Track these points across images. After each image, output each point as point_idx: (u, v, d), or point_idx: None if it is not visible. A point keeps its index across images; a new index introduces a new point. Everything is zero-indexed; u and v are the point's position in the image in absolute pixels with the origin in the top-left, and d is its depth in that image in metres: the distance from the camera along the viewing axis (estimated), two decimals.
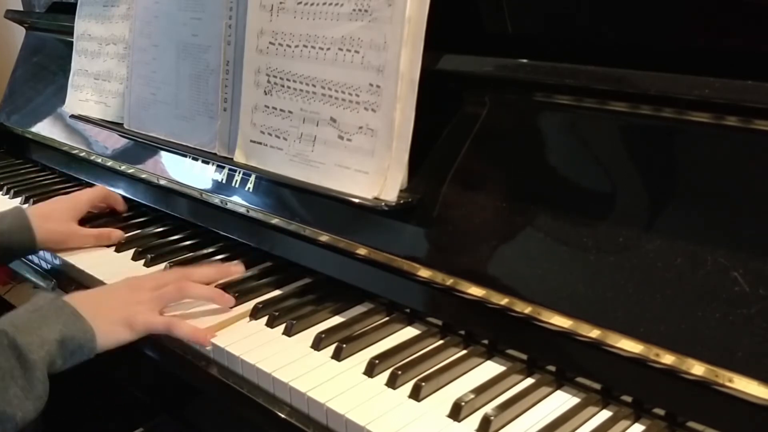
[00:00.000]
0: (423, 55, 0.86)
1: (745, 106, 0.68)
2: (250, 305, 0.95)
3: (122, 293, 0.93)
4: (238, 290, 0.98)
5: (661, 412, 0.71)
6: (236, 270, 1.02)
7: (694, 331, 0.67)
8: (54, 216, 1.16)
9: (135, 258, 1.11)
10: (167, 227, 1.22)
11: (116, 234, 1.17)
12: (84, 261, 1.11)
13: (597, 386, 0.75)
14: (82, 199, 1.23)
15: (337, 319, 0.92)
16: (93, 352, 0.85)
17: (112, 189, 1.31)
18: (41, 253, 1.17)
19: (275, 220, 1.03)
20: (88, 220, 1.24)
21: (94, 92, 1.43)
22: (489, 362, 0.82)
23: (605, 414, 0.73)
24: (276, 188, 1.04)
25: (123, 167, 1.33)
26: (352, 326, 0.89)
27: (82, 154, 1.45)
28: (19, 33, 1.92)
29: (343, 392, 0.76)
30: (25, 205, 1.33)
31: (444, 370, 0.79)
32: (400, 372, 0.78)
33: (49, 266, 1.17)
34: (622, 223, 0.74)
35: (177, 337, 0.90)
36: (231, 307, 0.95)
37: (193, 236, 1.18)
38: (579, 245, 0.76)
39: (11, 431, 0.76)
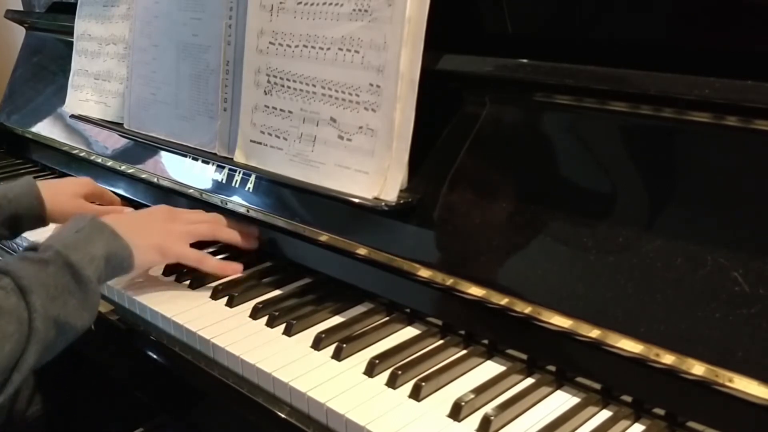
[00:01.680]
0: (423, 55, 0.86)
1: (745, 106, 0.68)
2: (250, 305, 0.95)
3: (158, 221, 1.01)
4: (238, 290, 0.98)
5: (661, 412, 0.71)
6: (254, 232, 1.08)
7: (694, 331, 0.67)
8: (62, 190, 1.17)
9: None
10: None
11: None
12: None
13: (597, 386, 0.75)
14: (92, 182, 1.25)
15: (337, 319, 0.92)
16: (131, 269, 0.94)
17: (112, 189, 1.31)
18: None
19: (275, 220, 1.03)
20: None
21: (94, 92, 1.43)
22: (489, 362, 0.82)
23: (605, 414, 0.73)
24: (276, 188, 1.04)
25: (123, 167, 1.33)
26: (352, 326, 0.89)
27: (82, 154, 1.45)
28: (19, 33, 1.92)
29: (343, 392, 0.76)
30: None
31: (444, 370, 0.79)
32: (400, 372, 0.78)
33: None
34: (622, 223, 0.74)
35: (206, 270, 1.01)
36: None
37: None
38: (579, 245, 0.76)
39: (73, 338, 0.83)
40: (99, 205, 1.27)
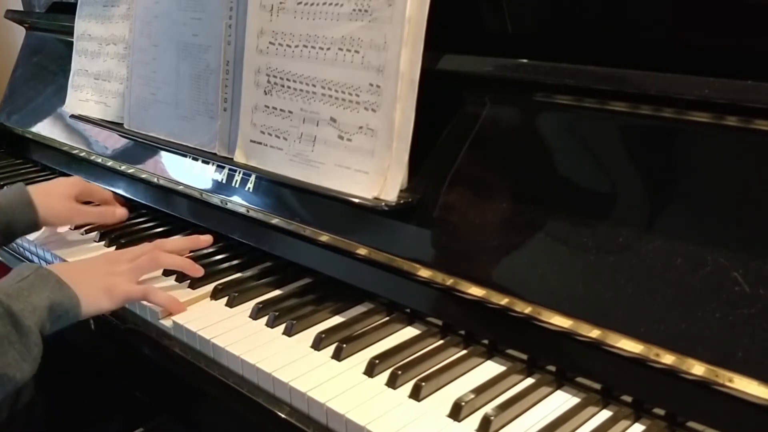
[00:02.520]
0: (423, 55, 0.86)
1: (745, 106, 0.68)
2: (250, 305, 0.95)
3: (100, 265, 0.97)
4: (238, 290, 0.98)
5: (661, 412, 0.71)
6: (205, 239, 1.07)
7: (694, 331, 0.67)
8: (55, 192, 1.17)
9: None
10: (167, 227, 1.22)
11: (120, 211, 1.18)
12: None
13: (597, 386, 0.75)
14: (83, 182, 1.24)
15: (337, 319, 0.92)
16: (77, 318, 0.90)
17: (111, 189, 1.31)
18: (35, 249, 1.17)
19: (275, 220, 1.03)
20: None
21: (94, 92, 1.43)
22: (489, 362, 0.82)
23: (605, 414, 0.73)
24: (276, 188, 1.04)
25: (123, 167, 1.33)
26: (352, 326, 0.89)
27: (82, 154, 1.45)
28: (19, 33, 1.92)
29: (343, 392, 0.76)
30: None
31: (444, 370, 0.79)
32: (400, 372, 0.78)
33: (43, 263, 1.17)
34: (622, 223, 0.74)
35: (154, 303, 0.95)
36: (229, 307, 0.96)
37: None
38: (579, 245, 0.76)
39: (11, 390, 0.80)
40: (92, 203, 1.27)
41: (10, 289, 0.84)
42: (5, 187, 1.16)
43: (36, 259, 1.20)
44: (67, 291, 0.88)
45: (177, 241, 1.07)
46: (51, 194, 1.16)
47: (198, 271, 1.01)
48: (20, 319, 0.81)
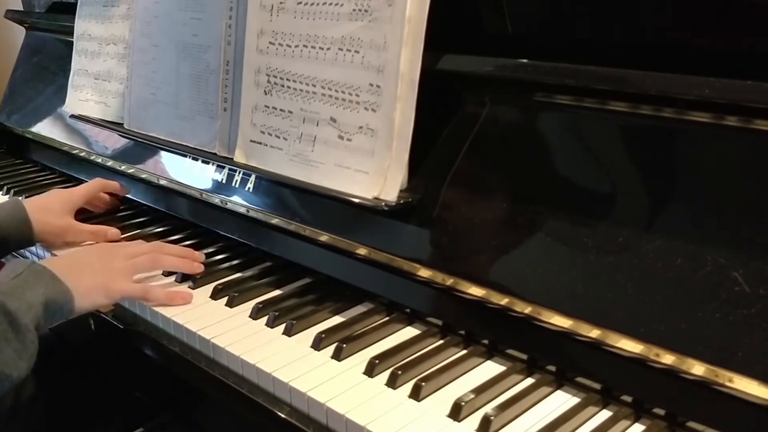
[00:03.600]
0: (423, 55, 0.86)
1: (745, 106, 0.68)
2: (250, 305, 0.95)
3: (97, 260, 0.96)
4: (238, 290, 0.98)
5: (661, 412, 0.71)
6: (199, 257, 1.05)
7: (694, 331, 0.67)
8: (51, 208, 1.16)
9: None
10: (167, 227, 1.22)
11: (112, 231, 1.16)
12: None
13: (597, 386, 0.75)
14: (78, 192, 1.23)
15: (337, 319, 0.92)
16: (71, 314, 0.90)
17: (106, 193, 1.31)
18: (35, 250, 1.17)
19: (275, 220, 1.03)
20: (87, 219, 1.23)
21: (94, 92, 1.43)
22: (489, 362, 0.82)
23: (605, 414, 0.73)
24: (276, 188, 1.04)
25: (123, 167, 1.33)
26: (352, 326, 0.89)
27: (82, 154, 1.45)
28: (19, 33, 1.92)
29: (343, 392, 0.76)
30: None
31: (444, 370, 0.79)
32: (400, 372, 0.78)
33: None
34: (622, 223, 0.74)
35: (153, 302, 0.95)
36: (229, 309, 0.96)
37: (193, 236, 1.18)
38: (579, 245, 0.76)
39: (8, 388, 0.80)
40: (99, 207, 1.27)
41: (5, 286, 0.84)
42: (2, 203, 1.15)
43: (29, 255, 1.20)
44: (61, 287, 0.88)
45: (175, 248, 1.06)
46: (47, 210, 1.15)
47: (198, 267, 1.01)
48: (16, 317, 0.80)
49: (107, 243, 1.04)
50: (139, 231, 1.22)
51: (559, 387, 0.78)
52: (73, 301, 0.89)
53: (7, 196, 1.43)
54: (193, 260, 1.04)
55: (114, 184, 1.28)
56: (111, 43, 1.40)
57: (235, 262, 1.08)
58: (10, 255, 1.19)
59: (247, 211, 1.07)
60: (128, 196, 1.31)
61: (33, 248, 1.18)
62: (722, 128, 0.71)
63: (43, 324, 0.85)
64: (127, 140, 1.35)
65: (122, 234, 1.19)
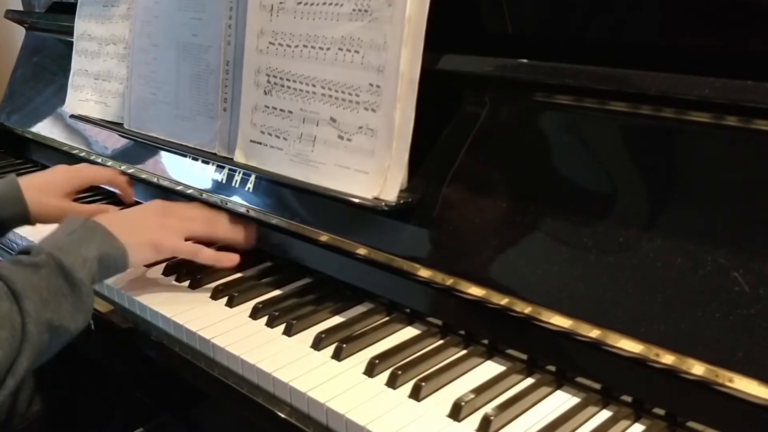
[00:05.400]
0: (423, 55, 0.86)
1: (745, 106, 0.68)
2: (250, 305, 0.95)
3: (152, 216, 1.00)
4: (238, 290, 0.98)
5: (661, 412, 0.71)
6: (252, 233, 1.06)
7: (694, 331, 0.67)
8: (49, 188, 1.16)
9: None
10: None
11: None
12: None
13: (597, 386, 0.75)
14: (83, 173, 1.23)
15: (337, 319, 0.92)
16: (125, 267, 0.94)
17: (111, 189, 1.31)
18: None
19: (275, 220, 1.03)
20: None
21: (94, 92, 1.43)
22: (489, 362, 0.82)
23: (605, 414, 0.73)
24: (276, 188, 1.04)
25: (123, 167, 1.33)
26: (352, 326, 0.89)
27: (82, 154, 1.45)
28: (19, 33, 1.92)
29: (343, 392, 0.76)
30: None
31: (444, 370, 0.79)
32: (400, 372, 0.78)
33: None
34: (622, 223, 0.74)
35: (201, 262, 1.00)
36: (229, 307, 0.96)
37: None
38: (579, 245, 0.76)
39: (67, 341, 0.83)
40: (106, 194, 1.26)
41: (60, 242, 0.86)
42: None
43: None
44: (114, 242, 0.91)
45: (228, 224, 1.06)
46: (45, 191, 1.15)
47: (252, 241, 1.05)
48: (72, 272, 0.82)
49: (163, 201, 1.06)
50: None
51: (559, 387, 0.78)
52: (126, 257, 0.92)
53: None
54: (247, 233, 1.05)
55: (124, 187, 1.27)
56: (111, 43, 1.40)
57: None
58: (9, 234, 1.19)
59: (247, 211, 1.07)
60: None
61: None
62: (722, 128, 0.71)
63: (97, 279, 0.88)
64: (127, 140, 1.35)
65: None
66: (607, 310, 0.72)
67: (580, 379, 0.77)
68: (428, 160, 0.90)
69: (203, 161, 1.17)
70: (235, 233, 1.04)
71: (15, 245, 1.22)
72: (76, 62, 1.49)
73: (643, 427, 0.71)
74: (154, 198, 1.25)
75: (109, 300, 1.03)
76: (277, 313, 0.91)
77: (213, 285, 1.00)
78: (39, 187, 1.15)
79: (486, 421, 0.70)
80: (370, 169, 0.90)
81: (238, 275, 1.04)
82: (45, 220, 1.14)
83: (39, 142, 1.59)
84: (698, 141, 0.73)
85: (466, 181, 0.87)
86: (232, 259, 1.01)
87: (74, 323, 0.82)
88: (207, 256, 1.00)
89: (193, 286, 1.01)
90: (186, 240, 1.00)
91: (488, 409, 0.72)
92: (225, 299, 0.97)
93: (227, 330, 0.90)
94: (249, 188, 1.08)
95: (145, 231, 0.96)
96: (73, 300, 0.82)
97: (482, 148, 0.88)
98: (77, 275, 0.83)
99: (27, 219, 1.13)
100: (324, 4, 0.94)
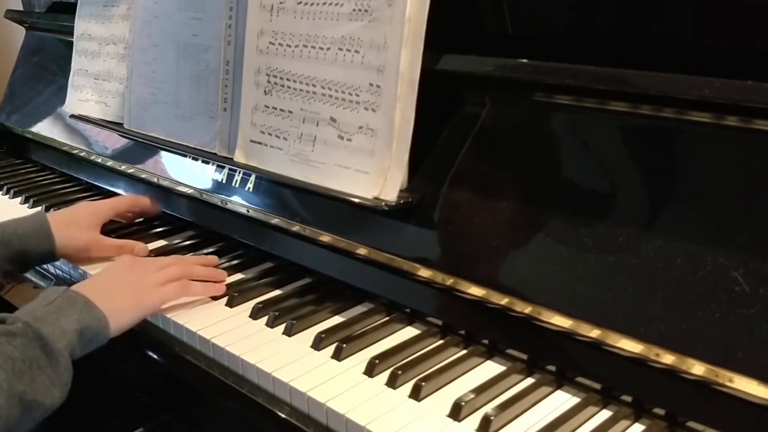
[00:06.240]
0: (423, 55, 0.86)
1: (745, 106, 0.68)
2: (250, 305, 0.95)
3: (128, 278, 0.95)
4: (238, 290, 0.98)
5: (661, 412, 0.71)
6: (221, 276, 1.02)
7: (694, 331, 0.67)
8: (76, 222, 1.13)
9: None
10: (167, 227, 1.22)
11: (140, 247, 1.13)
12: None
13: (597, 386, 0.75)
14: (104, 206, 1.19)
15: (337, 319, 0.92)
16: (107, 339, 0.88)
17: (112, 189, 1.31)
18: (60, 263, 1.14)
19: (275, 220, 1.03)
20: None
21: (94, 92, 1.43)
22: (489, 362, 0.82)
23: (605, 414, 0.73)
24: (276, 188, 1.04)
25: (123, 167, 1.33)
26: (352, 326, 0.89)
27: (82, 154, 1.45)
28: (19, 33, 1.92)
29: (343, 392, 0.76)
30: (40, 209, 1.28)
31: (444, 370, 0.79)
32: (400, 372, 0.78)
33: (67, 277, 1.13)
34: (622, 224, 0.74)
35: (192, 296, 0.97)
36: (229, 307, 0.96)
37: (193, 236, 1.18)
38: (579, 245, 0.76)
39: (41, 418, 0.77)
40: (130, 218, 1.23)
41: (38, 312, 0.81)
42: (24, 216, 1.11)
43: (52, 269, 1.17)
44: (96, 312, 0.85)
45: (200, 258, 1.06)
46: (72, 224, 1.12)
47: (221, 289, 0.99)
48: (50, 343, 0.78)
49: (133, 257, 1.03)
50: (139, 230, 1.22)
51: (559, 387, 0.78)
52: (108, 327, 0.87)
53: (7, 196, 1.43)
54: (216, 278, 1.02)
55: (144, 202, 1.24)
56: (111, 43, 1.40)
57: (235, 262, 1.08)
58: (32, 270, 1.16)
59: (248, 211, 1.07)
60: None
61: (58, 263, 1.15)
62: (722, 128, 0.71)
63: (78, 351, 0.83)
64: (127, 140, 1.35)
65: (124, 234, 1.19)
66: (607, 310, 0.72)
67: (580, 379, 0.77)
68: (428, 160, 0.90)
69: (203, 161, 1.17)
70: (209, 272, 1.01)
71: (54, 274, 1.19)
72: (76, 62, 1.49)
73: (643, 427, 0.71)
74: (155, 198, 1.25)
75: None
76: (277, 313, 0.91)
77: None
78: (64, 221, 1.12)
79: (486, 421, 0.70)
80: (370, 169, 0.90)
81: (238, 275, 1.04)
82: (71, 254, 1.11)
83: (39, 142, 1.59)
84: (698, 141, 0.73)
85: (466, 181, 0.87)
86: (219, 289, 0.98)
87: (50, 398, 0.77)
88: (196, 291, 0.97)
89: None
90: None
91: (488, 409, 0.72)
92: (225, 299, 0.97)
93: (227, 330, 0.90)
94: (249, 188, 1.08)
95: (125, 294, 0.91)
96: (50, 372, 0.77)
97: (482, 148, 0.88)
98: (55, 346, 0.78)
99: (53, 254, 1.09)
100: (324, 4, 0.94)
